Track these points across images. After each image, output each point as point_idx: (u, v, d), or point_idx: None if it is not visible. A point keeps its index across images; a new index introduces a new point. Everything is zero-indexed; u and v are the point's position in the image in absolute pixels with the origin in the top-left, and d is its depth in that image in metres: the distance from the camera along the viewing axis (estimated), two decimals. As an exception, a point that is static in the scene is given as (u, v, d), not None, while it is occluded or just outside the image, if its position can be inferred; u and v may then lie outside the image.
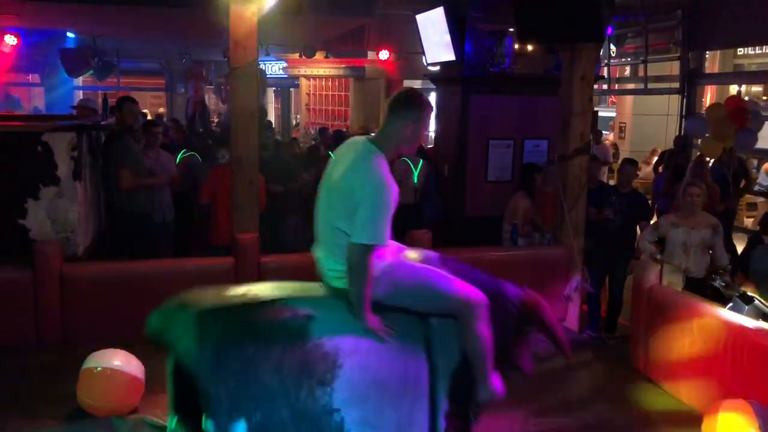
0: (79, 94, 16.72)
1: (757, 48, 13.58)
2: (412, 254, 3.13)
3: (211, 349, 2.66)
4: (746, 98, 9.68)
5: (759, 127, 8.30)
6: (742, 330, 3.81)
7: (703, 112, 9.33)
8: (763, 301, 4.03)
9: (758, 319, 3.93)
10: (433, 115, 3.04)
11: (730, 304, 4.14)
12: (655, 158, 13.07)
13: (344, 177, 2.81)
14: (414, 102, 2.91)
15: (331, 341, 2.73)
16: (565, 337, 3.44)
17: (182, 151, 7.87)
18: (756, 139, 8.16)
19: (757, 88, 14.32)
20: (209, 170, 6.66)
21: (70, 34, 13.95)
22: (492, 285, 3.11)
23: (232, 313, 2.77)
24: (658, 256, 5.39)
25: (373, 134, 3.09)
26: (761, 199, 10.69)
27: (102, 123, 6.68)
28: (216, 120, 15.57)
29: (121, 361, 3.78)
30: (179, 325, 2.77)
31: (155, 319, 2.91)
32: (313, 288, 2.99)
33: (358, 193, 2.73)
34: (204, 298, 2.87)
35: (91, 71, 14.54)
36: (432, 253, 3.22)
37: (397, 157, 3.91)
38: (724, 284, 4.40)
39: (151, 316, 2.92)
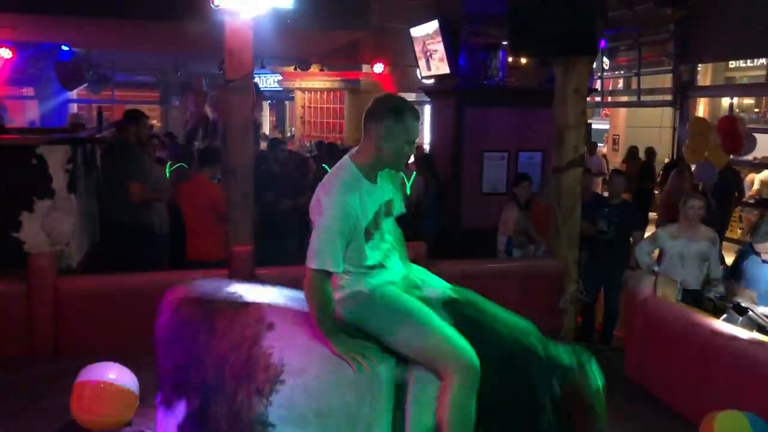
0: (74, 107, 16.74)
1: (748, 61, 13.70)
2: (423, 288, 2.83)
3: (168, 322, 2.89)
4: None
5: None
6: (736, 341, 3.83)
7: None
8: (757, 312, 4.04)
9: (752, 330, 3.94)
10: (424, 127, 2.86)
11: (725, 316, 4.15)
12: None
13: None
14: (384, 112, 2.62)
15: (280, 354, 2.63)
16: None
17: (168, 164, 7.85)
18: (714, 175, 8.40)
19: (749, 101, 14.44)
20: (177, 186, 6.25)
21: (64, 47, 13.98)
22: None
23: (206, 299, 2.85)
24: (656, 268, 5.40)
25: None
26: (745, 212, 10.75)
27: (97, 135, 6.68)
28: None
29: (114, 374, 3.74)
30: None
31: None
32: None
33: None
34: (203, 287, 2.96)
35: (86, 84, 14.56)
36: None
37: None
38: (718, 296, 4.41)
39: None
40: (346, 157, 2.68)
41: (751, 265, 4.88)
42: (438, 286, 2.87)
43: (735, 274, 5.06)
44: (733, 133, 8.72)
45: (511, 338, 2.73)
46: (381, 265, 2.70)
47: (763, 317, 4.03)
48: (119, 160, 5.94)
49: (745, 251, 5.13)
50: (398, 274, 2.79)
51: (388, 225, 2.79)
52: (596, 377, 2.73)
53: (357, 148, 2.68)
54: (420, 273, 2.92)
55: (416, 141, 2.68)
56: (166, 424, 2.89)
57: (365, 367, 2.56)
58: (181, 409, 2.83)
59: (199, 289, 2.94)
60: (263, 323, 2.70)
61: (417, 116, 2.60)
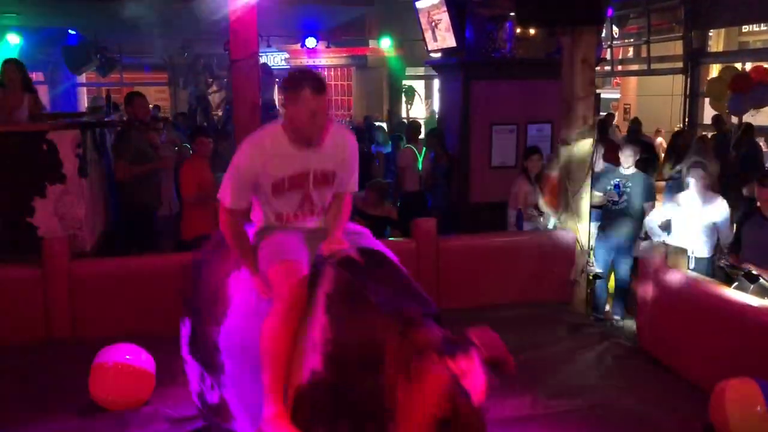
0: (83, 92, 16.79)
1: (762, 24, 13.45)
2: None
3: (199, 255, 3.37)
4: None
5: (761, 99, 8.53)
6: (747, 308, 3.82)
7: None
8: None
9: (763, 298, 3.93)
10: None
11: (736, 283, 4.14)
12: (659, 138, 13.09)
13: None
14: (283, 85, 2.90)
15: (232, 291, 2.94)
16: None
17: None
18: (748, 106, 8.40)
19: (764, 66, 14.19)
20: (184, 165, 6.15)
21: (71, 32, 13.97)
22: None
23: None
24: (666, 238, 5.39)
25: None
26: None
27: (106, 119, 6.71)
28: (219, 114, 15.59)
29: (131, 355, 3.83)
30: None
31: None
32: None
33: None
34: None
35: (94, 68, 14.57)
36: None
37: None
38: (728, 264, 4.40)
39: None
40: (280, 119, 2.96)
41: (751, 227, 4.82)
42: None
43: (736, 244, 4.97)
44: (749, 77, 8.87)
45: None
46: (291, 218, 2.89)
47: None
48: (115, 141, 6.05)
49: (747, 214, 5.10)
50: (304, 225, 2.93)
51: (323, 195, 2.91)
52: None
53: None
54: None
55: (318, 111, 2.74)
56: (182, 337, 3.35)
57: None
58: (186, 329, 3.27)
59: None
60: (238, 264, 2.95)
61: (316, 90, 2.74)
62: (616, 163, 6.32)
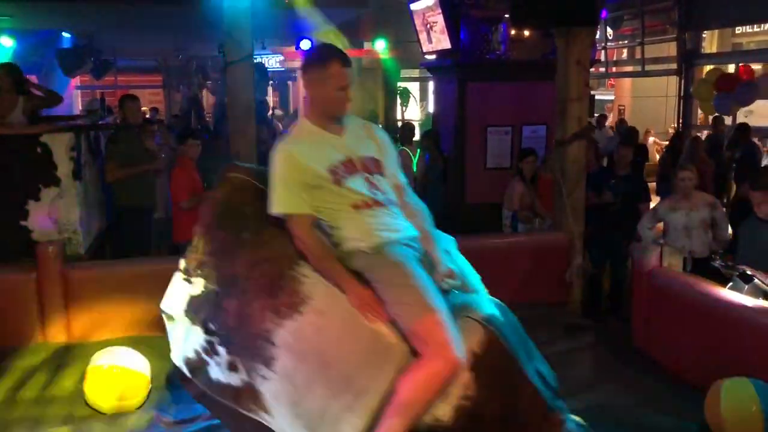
0: (78, 94, 16.76)
1: (755, 26, 13.51)
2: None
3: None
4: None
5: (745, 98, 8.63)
6: (742, 308, 3.83)
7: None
8: (762, 279, 4.03)
9: (758, 298, 3.94)
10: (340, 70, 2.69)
11: (730, 284, 4.15)
12: (651, 138, 13.17)
13: None
14: (307, 62, 2.81)
15: (311, 288, 2.66)
16: None
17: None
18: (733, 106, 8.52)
19: (756, 67, 14.26)
20: (175, 168, 6.08)
21: (65, 34, 13.94)
22: None
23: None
24: (660, 241, 5.41)
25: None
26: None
27: (100, 122, 6.70)
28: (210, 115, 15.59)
29: (126, 358, 3.81)
30: None
31: None
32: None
33: None
34: None
35: (88, 70, 14.54)
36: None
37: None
38: (723, 264, 4.41)
39: None
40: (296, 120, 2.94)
41: (746, 228, 4.83)
42: (476, 291, 2.97)
43: (732, 245, 5.02)
44: (734, 76, 8.95)
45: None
46: (370, 204, 2.74)
47: (769, 285, 4.03)
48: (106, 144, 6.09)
49: (743, 215, 5.13)
50: (405, 232, 2.83)
51: (384, 185, 2.85)
52: None
53: None
54: (462, 267, 3.04)
55: (347, 85, 2.72)
56: (175, 291, 2.99)
57: (371, 320, 2.58)
58: (192, 288, 2.88)
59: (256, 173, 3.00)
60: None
61: (343, 63, 2.70)
62: (597, 163, 6.34)
